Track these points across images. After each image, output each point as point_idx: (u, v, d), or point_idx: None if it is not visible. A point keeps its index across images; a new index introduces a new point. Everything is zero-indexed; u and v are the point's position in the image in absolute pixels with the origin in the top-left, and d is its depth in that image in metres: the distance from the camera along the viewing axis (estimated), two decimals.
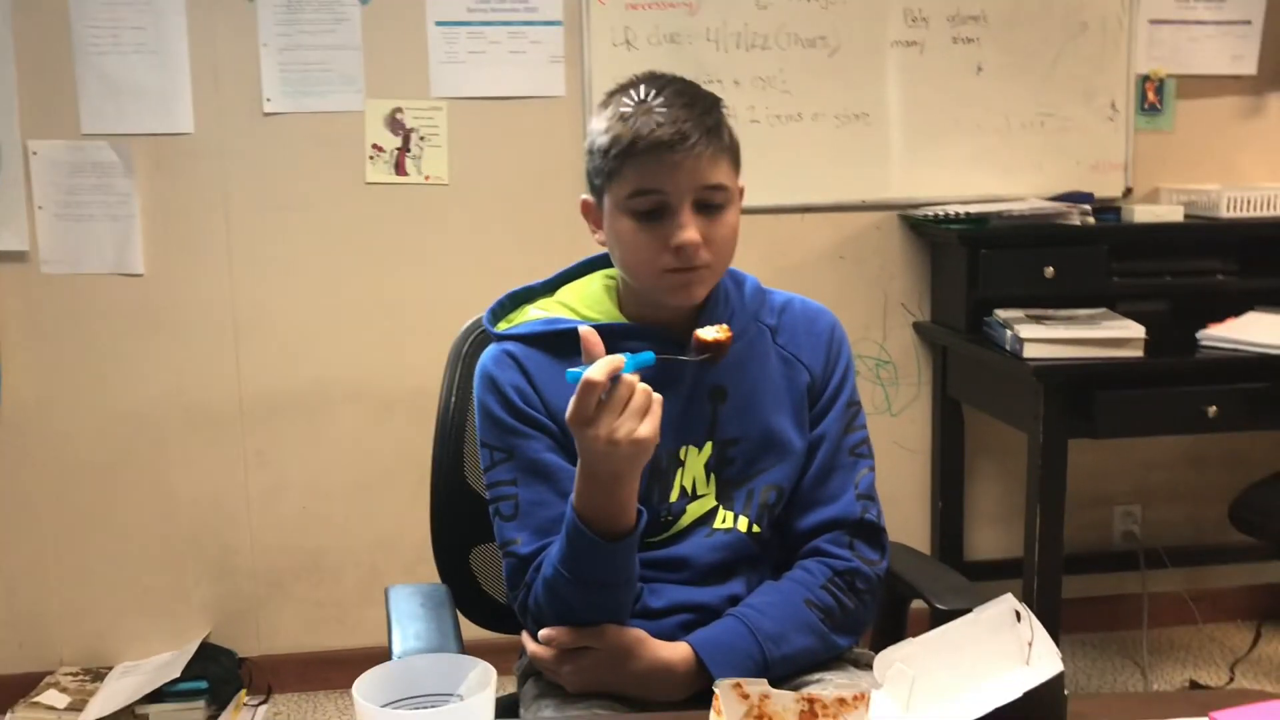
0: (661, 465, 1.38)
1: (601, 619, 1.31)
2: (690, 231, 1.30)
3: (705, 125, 1.30)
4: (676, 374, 1.37)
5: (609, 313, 1.42)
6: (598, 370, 1.17)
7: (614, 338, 1.30)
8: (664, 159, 1.28)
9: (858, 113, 2.83)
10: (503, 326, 1.46)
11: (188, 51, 2.63)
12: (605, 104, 1.36)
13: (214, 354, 2.73)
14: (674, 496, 1.40)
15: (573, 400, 1.18)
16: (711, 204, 1.32)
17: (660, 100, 1.31)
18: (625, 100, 1.33)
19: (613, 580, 1.29)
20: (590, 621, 1.31)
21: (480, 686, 0.99)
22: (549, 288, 1.52)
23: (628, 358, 1.19)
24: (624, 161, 1.30)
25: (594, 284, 1.47)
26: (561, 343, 1.39)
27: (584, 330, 1.22)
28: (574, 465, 1.29)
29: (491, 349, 1.44)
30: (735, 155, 1.37)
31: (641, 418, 1.19)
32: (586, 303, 1.44)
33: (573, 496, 1.27)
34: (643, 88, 1.34)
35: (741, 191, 1.39)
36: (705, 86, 2.65)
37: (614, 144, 1.31)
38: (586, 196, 1.40)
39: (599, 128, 1.34)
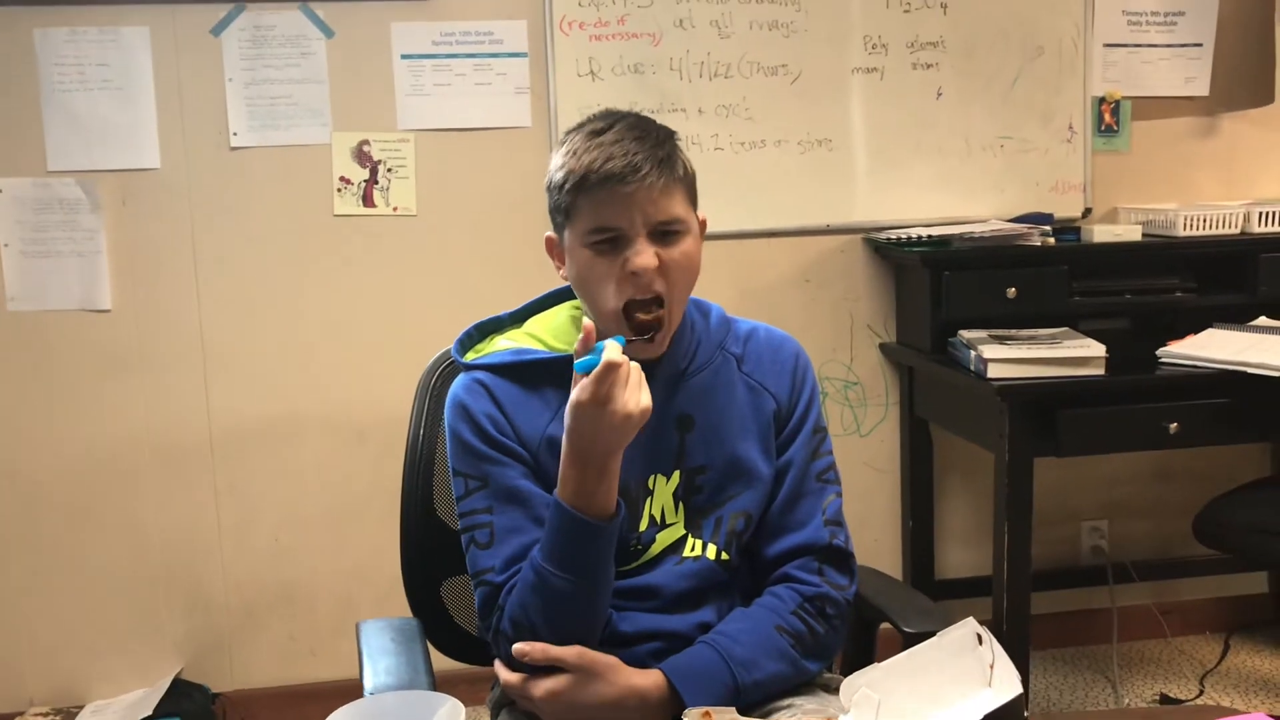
0: (630, 494, 1.39)
1: (576, 625, 1.32)
2: (646, 256, 1.32)
3: (657, 157, 1.32)
4: None
5: (570, 340, 1.43)
6: (615, 353, 1.24)
7: (571, 368, 1.32)
8: (616, 191, 1.31)
9: (820, 138, 2.86)
10: (471, 357, 1.48)
11: (154, 87, 2.63)
12: (562, 142, 1.39)
13: (183, 388, 2.73)
14: (643, 525, 1.41)
15: (590, 384, 1.23)
16: (668, 232, 1.34)
17: (612, 135, 1.33)
18: (578, 136, 1.36)
19: (598, 573, 1.31)
20: (565, 630, 1.31)
21: None
22: (517, 319, 1.54)
23: (607, 343, 1.26)
24: (579, 196, 1.33)
25: (561, 315, 1.49)
26: (530, 373, 1.41)
27: (586, 323, 1.27)
28: (548, 492, 1.31)
29: (462, 378, 1.45)
30: (691, 187, 1.39)
31: (639, 390, 1.25)
32: (553, 333, 1.46)
33: (557, 491, 1.30)
34: (597, 124, 1.37)
35: (703, 224, 1.41)
36: (669, 115, 2.70)
37: (568, 179, 1.34)
38: (550, 234, 1.43)
39: (555, 164, 1.37)
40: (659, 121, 1.40)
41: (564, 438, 1.28)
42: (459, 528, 1.41)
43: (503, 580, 1.36)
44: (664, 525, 1.42)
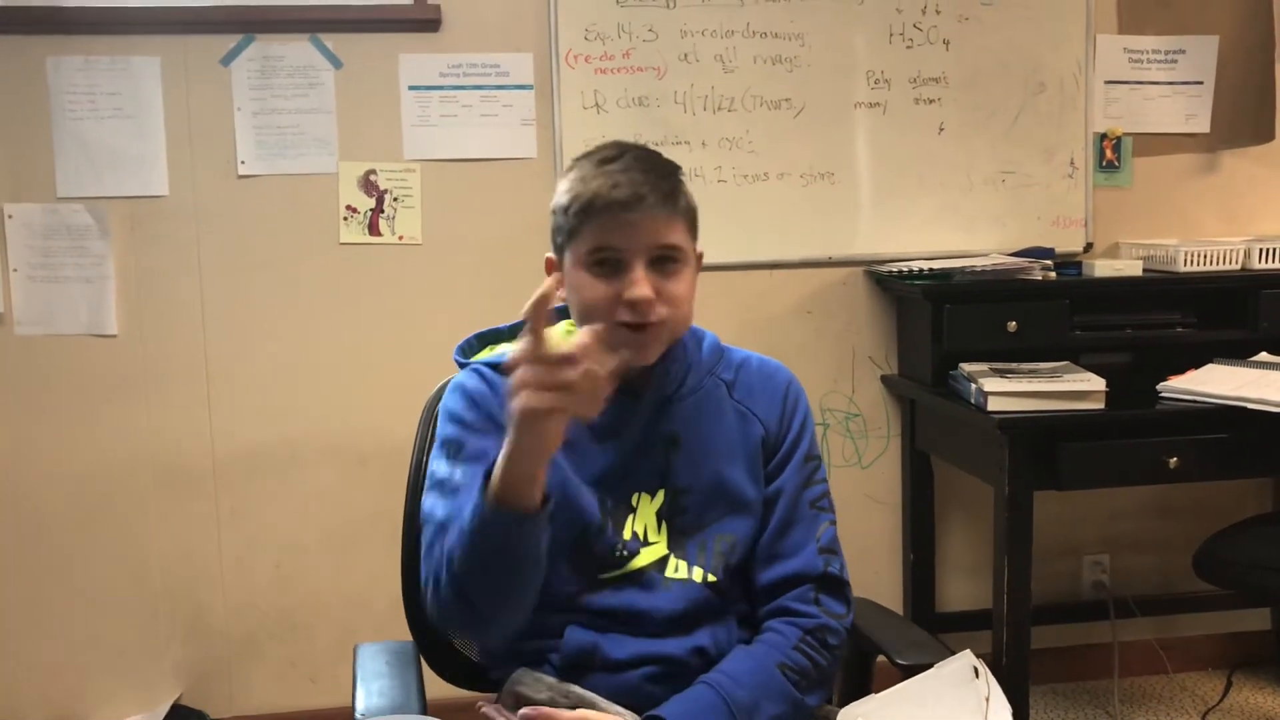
0: (608, 507, 1.41)
1: (509, 576, 1.30)
2: (643, 287, 1.35)
3: (661, 190, 1.36)
4: (630, 421, 1.41)
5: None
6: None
7: None
8: (619, 218, 1.34)
9: (823, 172, 2.89)
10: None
11: (163, 116, 2.66)
12: (570, 168, 1.43)
13: (187, 414, 2.74)
14: (626, 536, 1.42)
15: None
16: (666, 260, 1.37)
17: (620, 164, 1.37)
18: (586, 164, 1.40)
19: (526, 553, 1.28)
20: (497, 582, 1.29)
21: None
22: (516, 331, 1.57)
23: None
24: (582, 220, 1.36)
25: (557, 330, 1.51)
26: None
27: (546, 283, 1.24)
28: None
29: (465, 371, 1.50)
30: (692, 220, 1.42)
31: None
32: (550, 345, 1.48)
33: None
34: (606, 152, 1.40)
35: (700, 257, 1.44)
36: (673, 148, 2.73)
37: (573, 203, 1.37)
38: (550, 255, 1.46)
39: (561, 188, 1.41)
40: (665, 156, 1.43)
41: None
42: (425, 487, 1.42)
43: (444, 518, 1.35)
44: (646, 543, 1.43)
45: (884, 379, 2.97)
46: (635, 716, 1.35)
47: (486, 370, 1.48)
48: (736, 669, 1.38)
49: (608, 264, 1.37)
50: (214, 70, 2.68)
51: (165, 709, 2.71)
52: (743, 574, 1.48)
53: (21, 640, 2.73)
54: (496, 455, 1.32)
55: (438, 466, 1.43)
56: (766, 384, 1.51)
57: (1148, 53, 3.00)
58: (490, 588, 1.29)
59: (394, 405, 2.71)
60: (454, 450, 1.42)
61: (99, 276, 2.68)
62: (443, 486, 1.40)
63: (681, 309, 1.41)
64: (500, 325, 1.59)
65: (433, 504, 1.40)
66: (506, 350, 1.48)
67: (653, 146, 2.82)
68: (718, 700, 1.34)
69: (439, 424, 1.48)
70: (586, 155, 1.42)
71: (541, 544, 1.29)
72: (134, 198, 2.68)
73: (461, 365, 1.53)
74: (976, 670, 1.05)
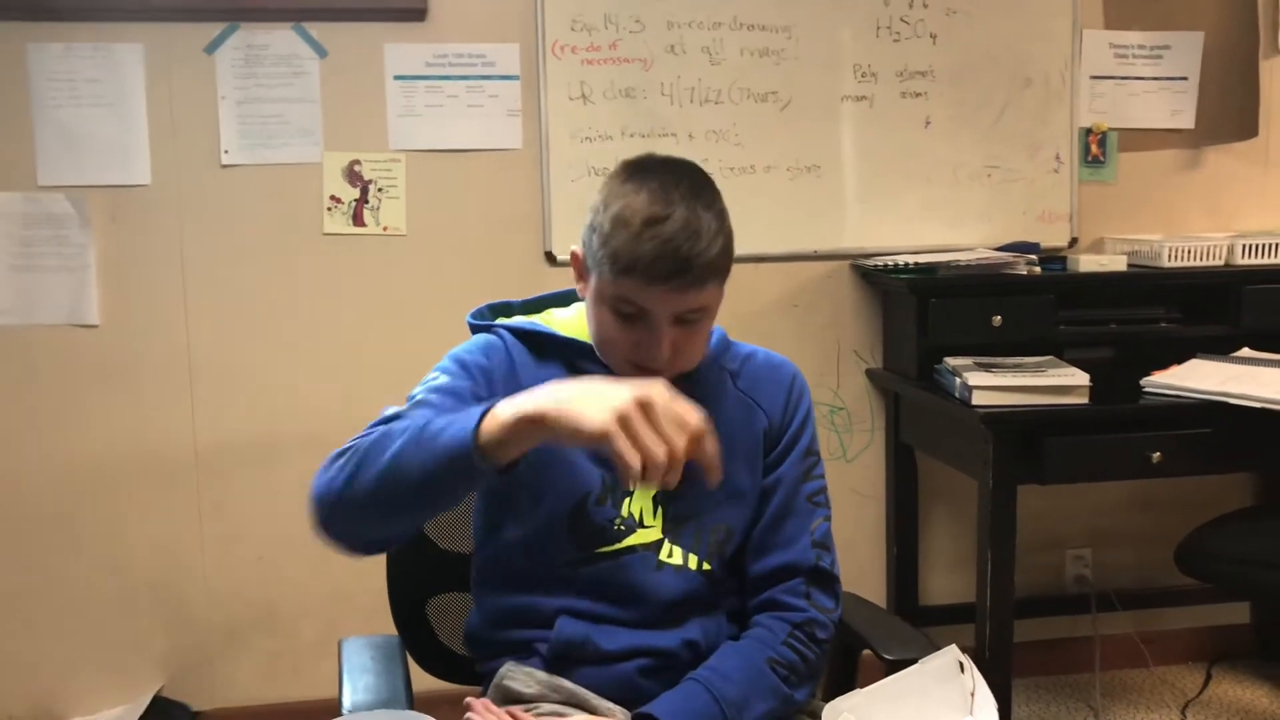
0: (608, 482, 1.42)
1: (426, 500, 1.25)
2: (663, 351, 1.34)
3: (703, 262, 1.31)
4: None
5: (582, 335, 1.46)
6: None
7: (580, 355, 1.43)
8: (655, 287, 1.32)
9: (809, 165, 2.89)
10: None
11: (145, 104, 2.64)
12: (619, 185, 1.35)
13: (169, 405, 2.72)
14: (624, 514, 1.43)
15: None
16: (691, 319, 1.36)
17: (669, 228, 1.30)
18: (636, 207, 1.31)
19: (431, 481, 1.21)
20: (411, 499, 1.23)
21: None
22: (531, 306, 1.59)
23: None
24: (618, 275, 1.33)
25: (573, 311, 1.55)
26: (543, 345, 1.47)
27: None
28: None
29: (481, 334, 1.50)
30: (726, 270, 1.38)
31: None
32: (563, 325, 1.51)
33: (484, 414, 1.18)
34: (655, 204, 1.31)
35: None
36: (659, 140, 2.69)
37: (612, 257, 1.32)
38: (578, 250, 1.42)
39: (605, 217, 1.34)
40: (709, 188, 1.36)
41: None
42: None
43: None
44: (642, 525, 1.43)
45: (869, 373, 2.97)
46: (626, 712, 1.35)
47: (506, 335, 1.48)
48: (726, 665, 1.38)
49: (632, 315, 1.35)
50: (198, 58, 2.65)
51: (147, 701, 2.69)
52: (736, 565, 1.48)
53: (2, 633, 2.71)
54: (471, 398, 1.35)
55: (421, 388, 1.39)
56: (772, 376, 1.52)
57: (1133, 48, 3.00)
58: (399, 498, 1.22)
59: (378, 396, 2.68)
60: (439, 380, 1.41)
61: (80, 266, 2.66)
62: (415, 401, 1.37)
63: (695, 357, 1.42)
64: (511, 300, 1.59)
65: (393, 411, 1.35)
66: (523, 320, 1.50)
67: (639, 139, 2.82)
68: (708, 697, 1.34)
69: (451, 352, 1.47)
70: (638, 175, 1.34)
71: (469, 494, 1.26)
72: (116, 187, 2.66)
73: (477, 328, 1.52)
74: (962, 665, 1.05)
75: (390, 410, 1.36)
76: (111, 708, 2.73)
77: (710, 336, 1.49)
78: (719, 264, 1.35)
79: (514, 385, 1.41)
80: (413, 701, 1.34)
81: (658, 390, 1.13)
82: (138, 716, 2.64)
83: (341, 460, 1.28)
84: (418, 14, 2.71)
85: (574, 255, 1.44)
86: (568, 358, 1.45)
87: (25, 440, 2.68)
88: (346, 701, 1.33)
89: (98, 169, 2.64)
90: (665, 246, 1.30)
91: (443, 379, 1.41)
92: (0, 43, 2.59)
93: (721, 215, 1.36)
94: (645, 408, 1.11)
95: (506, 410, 1.17)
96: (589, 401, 1.12)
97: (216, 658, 2.80)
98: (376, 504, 1.23)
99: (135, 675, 2.76)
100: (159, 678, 2.77)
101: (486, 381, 1.42)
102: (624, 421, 1.10)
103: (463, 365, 1.43)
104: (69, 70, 2.61)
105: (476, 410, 1.19)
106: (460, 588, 1.59)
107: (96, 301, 2.67)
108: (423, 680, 1.57)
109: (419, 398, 1.39)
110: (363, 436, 1.30)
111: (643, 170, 1.37)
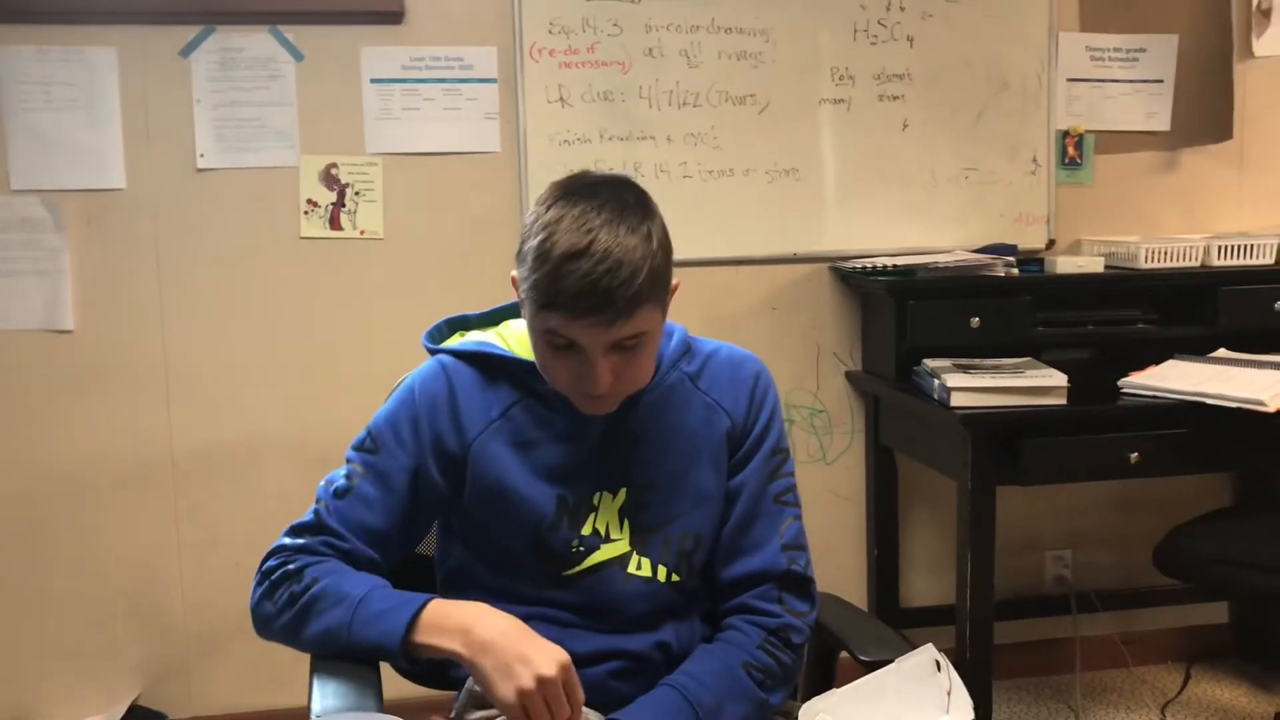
0: (569, 504, 1.40)
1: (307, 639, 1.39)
2: (600, 382, 1.31)
3: (626, 294, 1.25)
4: (590, 420, 1.40)
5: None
6: None
7: (529, 375, 1.40)
8: (579, 321, 1.27)
9: (788, 168, 2.89)
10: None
11: (120, 108, 2.62)
12: (544, 212, 1.30)
13: (145, 410, 2.70)
14: (586, 532, 1.41)
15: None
16: (628, 346, 1.31)
17: (588, 262, 1.24)
18: (555, 239, 1.26)
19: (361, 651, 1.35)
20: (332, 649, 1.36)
21: None
22: (486, 319, 1.57)
23: None
24: (541, 309, 1.29)
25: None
26: (491, 365, 1.45)
27: None
28: (419, 494, 1.41)
29: (428, 363, 1.49)
30: (662, 291, 1.33)
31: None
32: (518, 339, 1.48)
33: (432, 605, 1.32)
34: (576, 233, 1.26)
35: (674, 289, 1.38)
36: (638, 143, 2.67)
37: (534, 291, 1.28)
38: (515, 274, 1.37)
39: (529, 247, 1.29)
40: (637, 208, 1.31)
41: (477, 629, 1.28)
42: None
43: (330, 525, 1.41)
44: (607, 539, 1.42)
45: (848, 375, 2.97)
46: (599, 716, 1.34)
47: (450, 362, 1.47)
48: (700, 670, 1.37)
49: (565, 347, 1.31)
50: (173, 62, 2.64)
51: (124, 709, 2.67)
52: (707, 572, 1.46)
53: None
54: (402, 475, 1.41)
55: (352, 456, 1.45)
56: (734, 375, 1.48)
57: (1109, 51, 3.02)
58: (331, 652, 1.37)
59: (355, 402, 2.68)
60: (371, 449, 1.44)
61: (54, 270, 2.63)
62: (344, 485, 1.43)
63: (641, 379, 1.38)
64: (469, 314, 1.58)
65: (327, 494, 1.44)
66: (476, 338, 1.48)
67: (618, 142, 2.81)
68: (682, 703, 1.33)
69: (387, 401, 1.49)
70: (561, 203, 1.29)
71: None
72: (90, 190, 2.64)
73: (431, 351, 1.51)
74: (938, 664, 1.05)
75: (331, 485, 1.44)
76: (89, 716, 2.71)
77: (669, 336, 1.47)
78: (646, 292, 1.27)
79: (454, 415, 1.42)
80: (382, 706, 1.32)
81: (558, 667, 1.23)
82: None
83: (278, 596, 1.40)
84: (395, 17, 2.70)
85: (514, 279, 1.38)
86: (517, 377, 1.43)
87: (2, 447, 2.66)
88: (315, 707, 1.32)
89: (72, 173, 2.62)
90: (583, 282, 1.24)
91: (377, 452, 1.43)
92: None
93: (649, 236, 1.29)
94: (544, 685, 1.22)
95: (433, 634, 1.30)
96: (502, 677, 1.24)
97: (194, 665, 2.78)
98: (310, 650, 1.40)
99: (112, 683, 2.74)
100: (136, 685, 2.75)
101: (415, 440, 1.42)
102: (526, 700, 1.22)
103: (395, 433, 1.43)
104: (42, 73, 2.59)
105: (407, 612, 1.31)
106: (430, 589, 1.58)
107: (71, 306, 2.65)
108: (395, 685, 1.55)
109: (349, 480, 1.43)
110: (298, 558, 1.41)
111: (567, 194, 1.31)
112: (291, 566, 1.40)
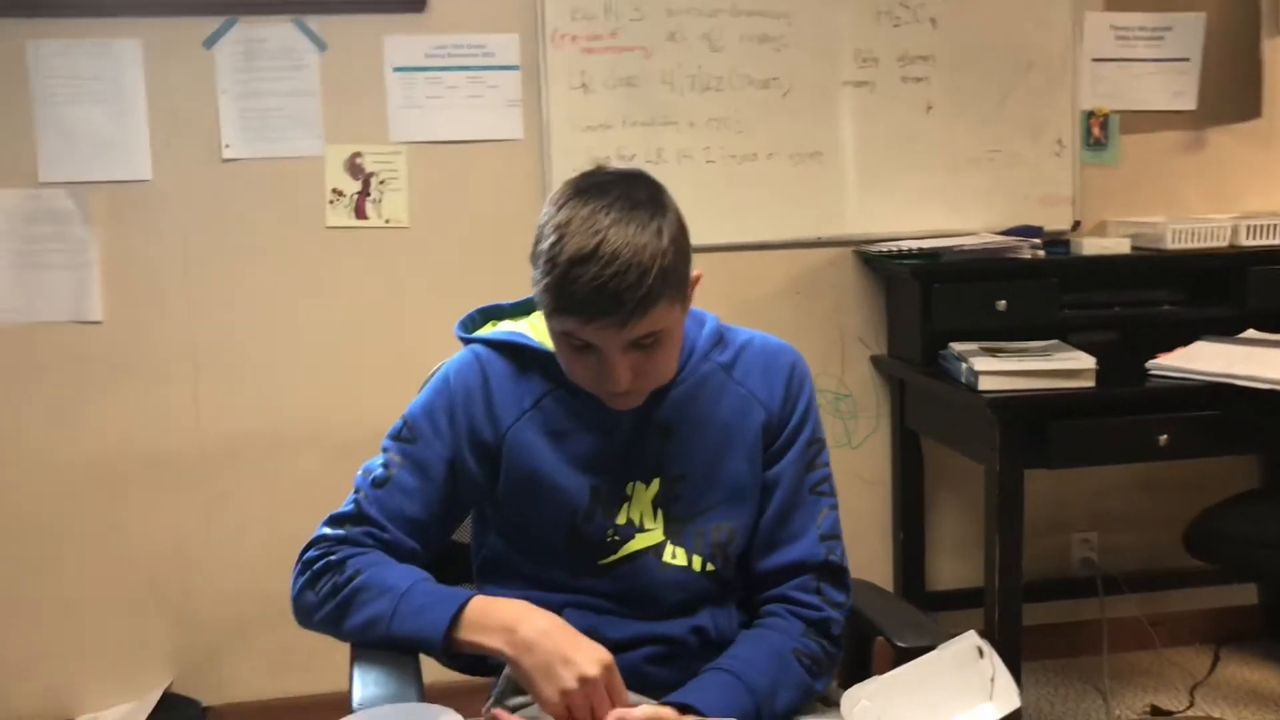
0: (601, 493, 1.41)
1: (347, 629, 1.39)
2: (619, 382, 1.30)
3: (636, 296, 1.24)
4: (622, 410, 1.40)
5: None
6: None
7: (559, 367, 1.39)
8: (591, 324, 1.26)
9: (811, 152, 2.88)
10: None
11: (146, 100, 2.63)
12: (555, 213, 1.29)
13: (173, 400, 2.72)
14: (620, 521, 1.42)
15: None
16: (646, 343, 1.30)
17: (596, 265, 1.23)
18: (564, 243, 1.25)
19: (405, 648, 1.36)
20: (338, 621, 1.39)
21: None
22: (520, 308, 1.57)
23: None
24: (553, 313, 1.29)
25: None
26: (523, 355, 1.45)
27: None
28: (456, 484, 1.42)
29: (463, 352, 1.49)
30: (678, 286, 1.31)
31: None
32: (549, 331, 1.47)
33: (475, 601, 1.33)
34: (585, 235, 1.25)
35: (696, 280, 1.38)
36: (661, 128, 2.65)
37: (545, 296, 1.28)
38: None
39: (540, 250, 1.29)
40: (649, 204, 1.29)
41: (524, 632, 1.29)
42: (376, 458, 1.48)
43: (371, 515, 1.42)
44: (641, 529, 1.42)
45: (873, 359, 2.97)
46: (644, 698, 1.34)
47: (483, 351, 1.47)
48: (751, 653, 1.38)
49: (583, 348, 1.31)
50: (197, 53, 2.64)
51: (156, 696, 2.70)
52: (742, 560, 1.47)
53: (10, 631, 2.71)
54: (440, 465, 1.42)
55: (388, 445, 1.46)
56: (769, 365, 1.47)
57: (1134, 30, 2.99)
58: (370, 643, 1.38)
59: (381, 390, 2.69)
60: (408, 439, 1.45)
61: (82, 263, 2.65)
62: (382, 474, 1.44)
63: (664, 375, 1.37)
64: (502, 303, 1.58)
65: (365, 484, 1.45)
66: (507, 327, 1.49)
67: (641, 127, 2.79)
68: (739, 685, 1.33)
69: (422, 390, 1.49)
70: (571, 205, 1.28)
71: None
72: (117, 182, 2.65)
73: (464, 340, 1.52)
74: (981, 650, 1.05)
75: (369, 474, 1.45)
76: (121, 703, 2.73)
77: (701, 324, 1.47)
78: (658, 290, 1.26)
79: (488, 405, 1.42)
80: (423, 693, 1.34)
81: (600, 668, 1.24)
82: (147, 713, 2.64)
83: (320, 586, 1.41)
84: (417, 5, 2.70)
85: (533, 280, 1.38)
86: (548, 369, 1.43)
87: (29, 438, 2.68)
88: (357, 695, 1.33)
89: (99, 165, 2.63)
90: (592, 286, 1.23)
91: (414, 442, 1.44)
92: (0, 40, 2.58)
93: (660, 233, 1.27)
94: (587, 685, 1.23)
95: (476, 631, 1.31)
96: (545, 677, 1.25)
97: (224, 653, 2.80)
98: (350, 640, 1.41)
99: (144, 671, 2.76)
100: (168, 673, 2.78)
101: (451, 430, 1.43)
102: (569, 700, 1.23)
103: (432, 423, 1.43)
104: (69, 67, 2.60)
105: (449, 609, 1.32)
106: (467, 578, 1.59)
107: (99, 298, 2.67)
108: (433, 671, 1.57)
109: (388, 470, 1.44)
110: (340, 549, 1.42)
111: (578, 193, 1.30)
112: (334, 557, 1.41)
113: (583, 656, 1.24)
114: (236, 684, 2.81)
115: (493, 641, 1.29)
